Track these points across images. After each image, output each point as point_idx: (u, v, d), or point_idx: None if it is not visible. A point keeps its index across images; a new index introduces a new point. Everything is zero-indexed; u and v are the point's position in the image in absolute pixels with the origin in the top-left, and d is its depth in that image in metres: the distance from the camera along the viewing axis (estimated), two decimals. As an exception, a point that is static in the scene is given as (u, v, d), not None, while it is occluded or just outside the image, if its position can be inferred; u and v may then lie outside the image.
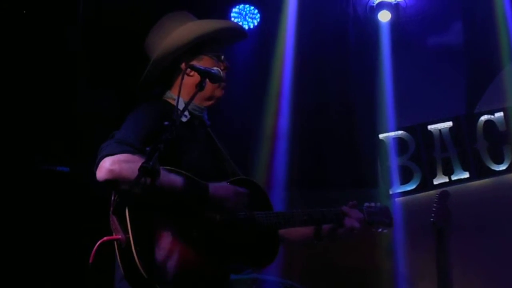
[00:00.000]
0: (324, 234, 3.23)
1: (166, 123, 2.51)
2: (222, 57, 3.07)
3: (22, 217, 4.68)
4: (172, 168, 2.65)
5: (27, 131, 4.82)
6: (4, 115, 4.75)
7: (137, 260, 2.50)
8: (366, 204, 3.38)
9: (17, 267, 4.61)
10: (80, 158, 4.84)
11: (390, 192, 5.65)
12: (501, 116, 5.58)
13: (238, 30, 3.27)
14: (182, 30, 3.03)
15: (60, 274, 4.67)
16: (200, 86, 2.79)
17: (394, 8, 5.79)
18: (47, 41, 4.93)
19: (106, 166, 2.59)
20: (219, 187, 2.78)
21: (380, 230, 3.42)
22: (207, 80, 2.84)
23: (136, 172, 2.44)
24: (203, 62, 2.99)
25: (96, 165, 2.62)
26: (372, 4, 5.85)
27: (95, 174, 2.62)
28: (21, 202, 4.69)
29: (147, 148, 2.41)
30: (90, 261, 2.47)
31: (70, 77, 5.05)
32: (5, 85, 4.77)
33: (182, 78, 2.79)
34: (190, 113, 2.99)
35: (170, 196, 2.58)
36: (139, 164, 2.48)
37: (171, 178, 2.61)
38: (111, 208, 2.64)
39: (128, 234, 2.52)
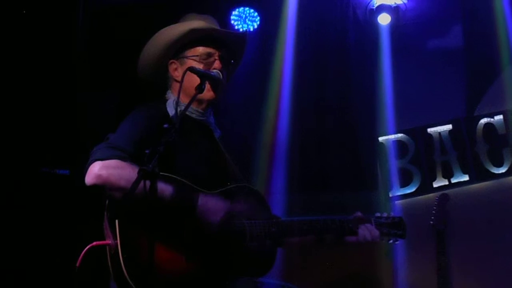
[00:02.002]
0: (327, 241, 3.21)
1: (165, 125, 2.51)
2: (204, 56, 3.05)
3: (22, 220, 4.67)
4: (165, 174, 2.64)
5: (27, 134, 4.81)
6: (5, 117, 4.75)
7: (123, 267, 2.50)
8: (377, 214, 3.34)
9: (16, 269, 4.61)
10: (81, 161, 4.83)
11: (390, 195, 5.64)
12: (500, 119, 5.57)
13: (210, 30, 3.14)
14: (154, 39, 3.09)
15: (59, 277, 4.66)
16: (199, 89, 2.79)
17: (394, 11, 5.79)
18: (47, 42, 4.93)
19: (95, 171, 2.60)
20: (209, 200, 2.75)
21: (391, 241, 3.37)
22: (207, 82, 2.85)
23: (123, 179, 2.45)
24: (186, 65, 2.98)
25: (85, 168, 2.62)
26: (372, 7, 5.85)
27: (84, 177, 2.62)
28: (21, 205, 4.68)
29: (146, 151, 2.39)
30: (77, 265, 2.47)
31: (71, 79, 5.04)
32: (5, 86, 4.76)
33: (182, 82, 2.79)
34: (189, 116, 2.98)
35: (156, 203, 2.51)
36: (127, 170, 2.48)
37: (160, 186, 2.55)
38: (105, 213, 2.64)
39: (117, 240, 2.52)
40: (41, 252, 4.69)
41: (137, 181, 2.34)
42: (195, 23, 3.09)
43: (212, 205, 2.75)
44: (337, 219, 3.18)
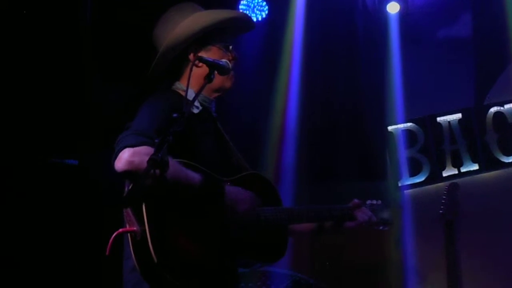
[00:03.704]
0: (326, 229, 3.26)
1: (175, 115, 2.52)
2: (231, 47, 3.06)
3: (31, 210, 4.69)
4: (187, 162, 2.66)
5: (36, 124, 4.83)
6: (14, 108, 4.76)
7: (152, 252, 2.50)
8: (369, 202, 3.40)
9: (25, 260, 4.63)
10: (90, 151, 4.85)
11: (399, 185, 5.64)
12: (510, 107, 5.55)
13: (245, 19, 3.23)
14: (189, 21, 3.01)
15: (68, 267, 4.68)
16: (208, 78, 2.80)
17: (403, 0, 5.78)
18: (56, 32, 4.93)
19: (126, 157, 2.58)
20: (235, 191, 2.78)
21: (381, 228, 3.44)
22: (216, 72, 2.85)
23: None
24: (211, 53, 2.98)
25: (115, 155, 2.61)
26: (381, -4, 5.84)
27: (113, 164, 2.62)
28: (30, 195, 4.70)
29: (156, 140, 2.41)
30: (107, 253, 2.48)
31: (79, 70, 5.05)
32: (15, 77, 4.77)
33: (191, 70, 2.79)
34: (201, 104, 2.99)
35: (185, 191, 2.58)
36: None
37: (188, 174, 2.62)
38: (126, 200, 2.64)
39: (144, 226, 2.52)
40: (49, 242, 4.71)
41: (146, 170, 2.35)
42: (233, 12, 3.11)
43: (240, 195, 2.79)
44: (338, 206, 3.25)
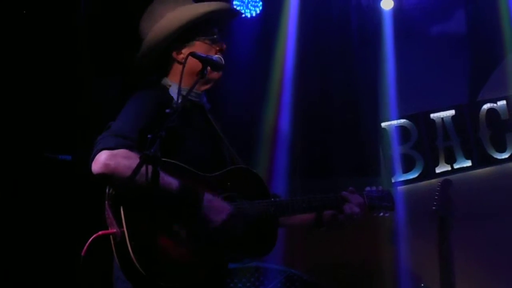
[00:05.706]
0: (325, 220, 3.21)
1: (167, 110, 2.51)
2: (216, 37, 3.03)
3: (23, 205, 4.68)
4: (168, 160, 2.64)
5: (30, 119, 4.81)
6: (7, 103, 4.75)
7: (131, 254, 2.50)
8: (367, 188, 3.36)
9: (17, 254, 4.62)
10: (83, 147, 4.83)
11: (392, 181, 5.64)
12: (503, 104, 5.56)
13: (228, 11, 3.16)
14: (167, 18, 2.99)
15: (60, 264, 4.67)
16: (201, 74, 2.79)
17: (397, -4, 5.78)
18: (50, 27, 4.92)
19: (102, 160, 2.57)
20: (214, 205, 2.72)
21: (381, 214, 3.41)
22: (209, 67, 2.84)
23: (132, 169, 2.43)
24: (195, 48, 2.95)
25: (92, 157, 2.60)
26: (375, -8, 5.84)
27: (90, 166, 2.61)
28: (23, 190, 4.69)
29: (149, 136, 2.39)
30: (83, 254, 2.48)
31: (74, 65, 5.04)
32: (8, 72, 4.76)
33: (184, 66, 2.78)
34: (188, 100, 2.96)
35: (162, 198, 2.55)
36: (136, 161, 2.46)
37: (165, 180, 2.57)
38: (106, 202, 2.64)
39: (123, 228, 2.52)
40: (41, 238, 4.70)
41: (139, 166, 2.34)
42: (211, 4, 3.06)
43: (217, 204, 2.73)
44: (331, 195, 3.20)
